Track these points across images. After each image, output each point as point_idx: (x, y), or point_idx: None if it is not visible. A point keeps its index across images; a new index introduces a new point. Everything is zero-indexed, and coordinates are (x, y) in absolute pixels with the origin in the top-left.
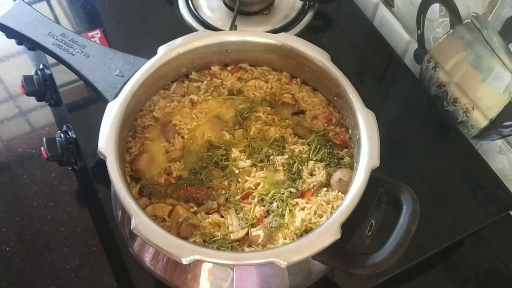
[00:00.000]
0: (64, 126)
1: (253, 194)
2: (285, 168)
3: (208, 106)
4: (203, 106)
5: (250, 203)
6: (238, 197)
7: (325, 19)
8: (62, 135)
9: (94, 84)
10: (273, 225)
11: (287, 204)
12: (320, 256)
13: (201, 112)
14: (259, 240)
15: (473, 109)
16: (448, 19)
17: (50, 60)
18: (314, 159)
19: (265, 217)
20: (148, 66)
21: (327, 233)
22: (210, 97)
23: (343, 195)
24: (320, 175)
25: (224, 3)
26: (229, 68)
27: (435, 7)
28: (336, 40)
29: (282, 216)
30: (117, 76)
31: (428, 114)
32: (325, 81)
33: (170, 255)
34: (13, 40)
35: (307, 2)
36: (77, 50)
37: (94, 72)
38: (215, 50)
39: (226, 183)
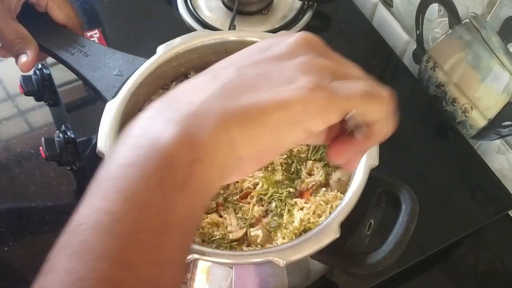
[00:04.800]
0: (63, 126)
1: (252, 194)
2: (283, 168)
3: None
4: None
5: (249, 203)
6: (237, 196)
7: (324, 19)
8: (60, 135)
9: (93, 84)
10: (272, 225)
11: (285, 204)
12: (319, 255)
13: None
14: (258, 240)
15: (471, 109)
16: (447, 19)
17: (49, 59)
18: (312, 159)
19: (264, 217)
20: (147, 65)
21: (326, 232)
22: None
23: (342, 195)
24: (319, 175)
25: (223, 3)
26: None
27: (434, 7)
28: (335, 40)
29: (281, 216)
30: (116, 76)
31: (427, 114)
32: None
33: None
34: None
35: (306, 2)
36: (76, 49)
37: (93, 71)
38: (214, 49)
39: None
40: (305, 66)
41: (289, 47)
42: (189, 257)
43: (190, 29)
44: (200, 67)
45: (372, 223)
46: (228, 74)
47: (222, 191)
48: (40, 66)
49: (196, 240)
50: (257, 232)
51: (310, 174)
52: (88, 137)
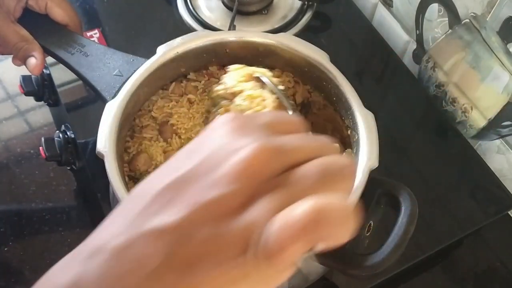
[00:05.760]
0: (63, 126)
1: None
2: None
3: (204, 105)
4: (199, 106)
5: None
6: None
7: (324, 19)
8: (60, 135)
9: (93, 84)
10: None
11: None
12: (318, 256)
13: (197, 112)
14: None
15: (471, 109)
16: (447, 19)
17: (49, 59)
18: None
19: None
20: (147, 66)
21: None
22: (206, 97)
23: None
24: None
25: (223, 3)
26: (226, 68)
27: (434, 7)
28: (335, 40)
29: None
30: (116, 76)
31: (427, 114)
32: (323, 81)
33: None
34: None
35: (306, 2)
36: (76, 49)
37: (93, 71)
38: (214, 50)
39: None
40: (251, 231)
41: (231, 188)
42: None
43: (190, 29)
44: (199, 67)
45: (372, 225)
46: (176, 236)
47: None
48: None
49: None
50: None
51: None
52: (88, 137)
